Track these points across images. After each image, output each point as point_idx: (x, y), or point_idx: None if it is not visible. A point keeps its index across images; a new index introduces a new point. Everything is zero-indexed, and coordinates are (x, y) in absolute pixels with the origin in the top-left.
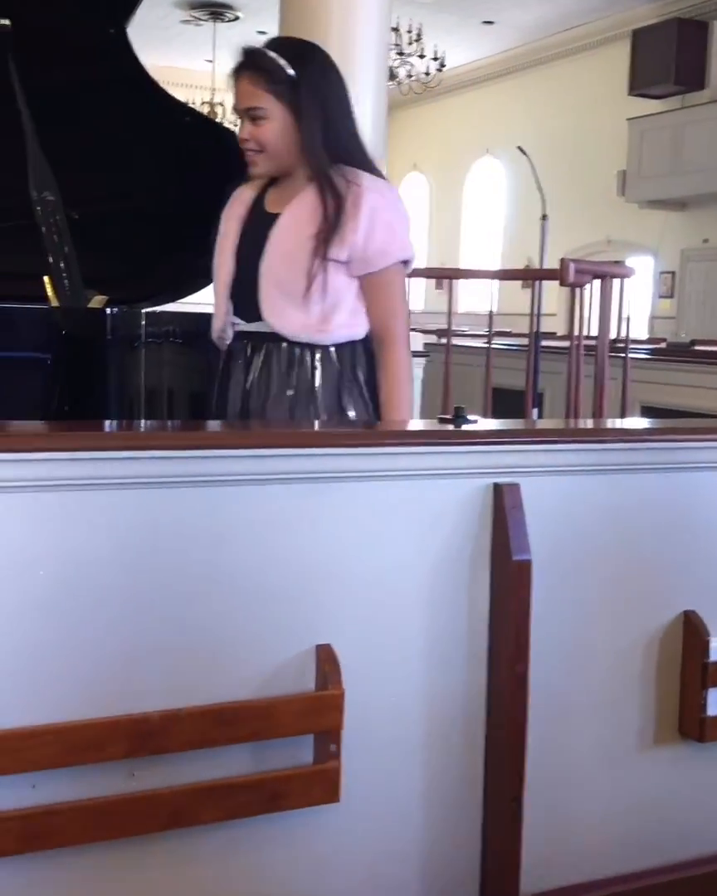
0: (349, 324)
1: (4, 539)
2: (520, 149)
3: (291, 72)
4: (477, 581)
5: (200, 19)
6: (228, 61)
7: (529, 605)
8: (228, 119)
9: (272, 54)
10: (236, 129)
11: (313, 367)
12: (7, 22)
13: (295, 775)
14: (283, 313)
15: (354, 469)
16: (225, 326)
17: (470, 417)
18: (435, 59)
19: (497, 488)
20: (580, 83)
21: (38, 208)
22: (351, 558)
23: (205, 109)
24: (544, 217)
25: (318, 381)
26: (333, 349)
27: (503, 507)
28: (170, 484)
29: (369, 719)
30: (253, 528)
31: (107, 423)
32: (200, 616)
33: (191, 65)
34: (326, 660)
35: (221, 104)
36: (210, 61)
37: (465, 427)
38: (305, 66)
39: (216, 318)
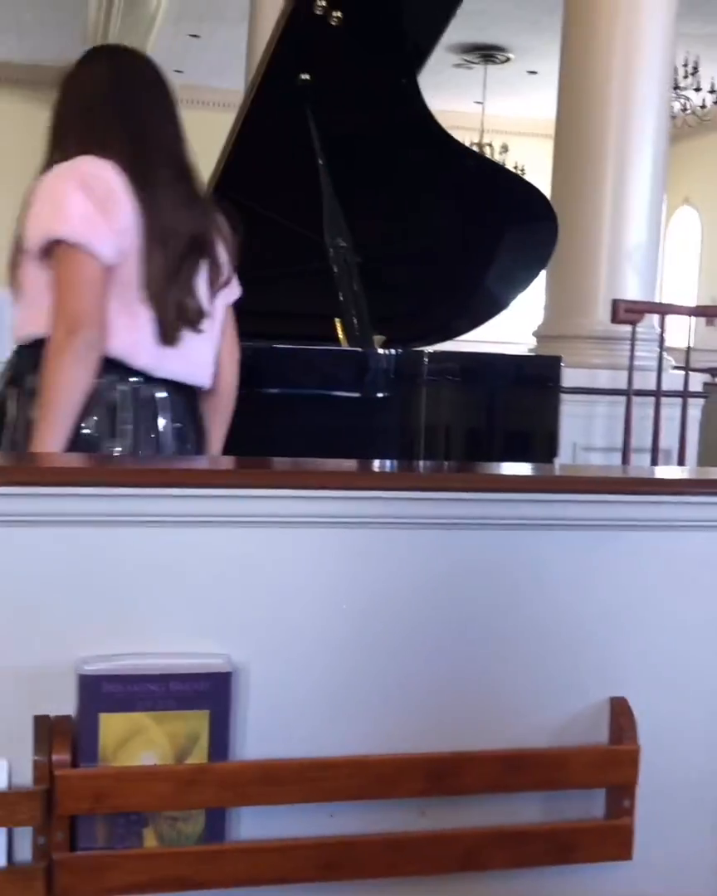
0: (29, 321)
1: (311, 572)
2: None
3: None
4: None
5: (471, 63)
6: (497, 103)
7: None
8: (497, 159)
9: None
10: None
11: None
12: (307, 76)
13: (587, 829)
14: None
15: (656, 518)
16: None
17: None
18: (713, 91)
19: None
20: None
21: (332, 253)
22: (650, 610)
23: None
24: None
25: None
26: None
27: None
28: (472, 525)
29: (665, 777)
30: (551, 573)
31: (409, 463)
32: (494, 659)
33: (460, 107)
34: (621, 713)
35: (490, 145)
36: (479, 103)
37: None
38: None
39: None
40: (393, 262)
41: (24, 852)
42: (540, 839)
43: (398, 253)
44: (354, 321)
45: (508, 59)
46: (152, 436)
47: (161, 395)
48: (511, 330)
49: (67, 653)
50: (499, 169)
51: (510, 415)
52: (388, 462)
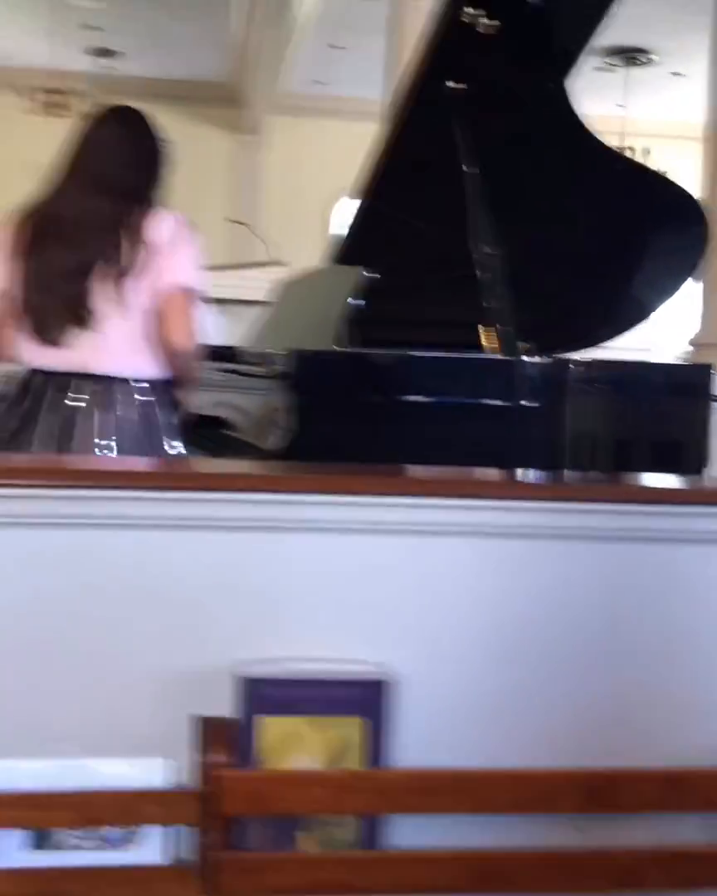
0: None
1: (466, 583)
2: None
3: None
4: None
5: (613, 65)
6: (640, 105)
7: None
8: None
9: None
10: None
11: None
12: (455, 84)
13: None
14: None
15: None
16: None
17: None
18: None
19: None
20: None
21: (479, 262)
22: None
23: None
24: None
25: None
26: None
27: None
28: (628, 538)
29: None
30: (710, 587)
31: (559, 473)
32: (653, 675)
33: (601, 110)
34: None
35: (631, 148)
36: (621, 106)
37: None
38: None
39: None
40: (538, 268)
41: (184, 850)
42: (701, 861)
43: (544, 259)
44: (501, 330)
45: (651, 61)
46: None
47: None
48: (663, 338)
49: (227, 655)
50: (648, 172)
51: (658, 425)
52: (538, 472)
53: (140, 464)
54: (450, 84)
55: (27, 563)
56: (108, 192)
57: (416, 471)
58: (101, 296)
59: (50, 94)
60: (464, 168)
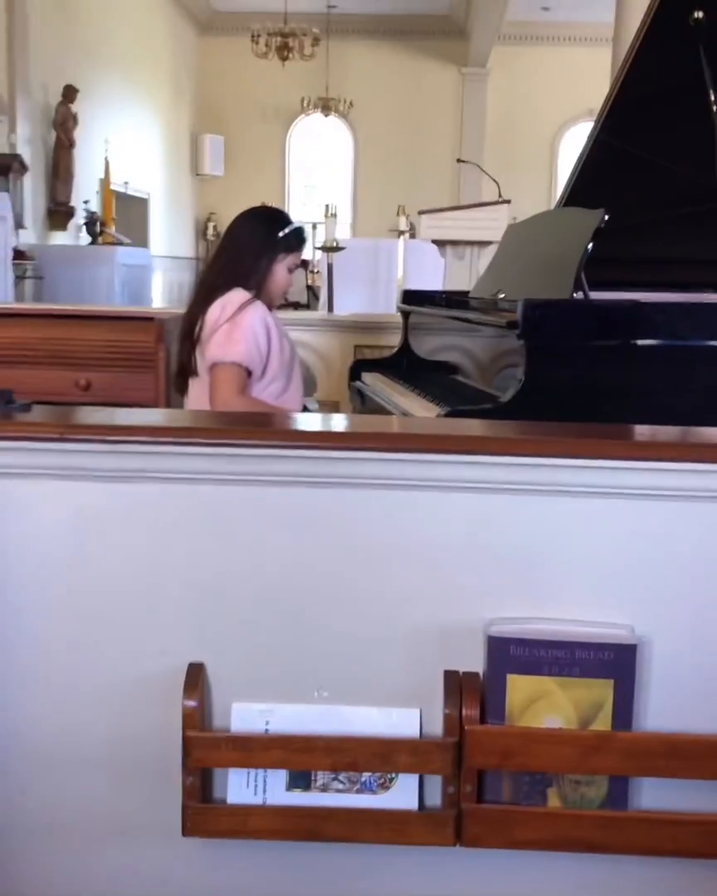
0: None
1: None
2: None
3: None
4: None
5: None
6: None
7: None
8: None
9: None
10: None
11: None
12: (700, 14)
13: None
14: None
15: None
16: None
17: None
18: None
19: None
20: None
21: None
22: None
23: None
24: None
25: None
26: None
27: None
28: None
29: None
30: None
31: None
32: None
33: None
34: None
35: None
36: None
37: None
38: None
39: None
40: None
41: (434, 798)
42: None
43: None
44: None
45: None
46: None
47: None
48: None
49: (476, 613)
50: None
51: None
52: None
53: (400, 426)
54: (696, 14)
55: (295, 521)
56: None
57: (669, 434)
58: None
59: (281, 36)
60: (709, 100)
